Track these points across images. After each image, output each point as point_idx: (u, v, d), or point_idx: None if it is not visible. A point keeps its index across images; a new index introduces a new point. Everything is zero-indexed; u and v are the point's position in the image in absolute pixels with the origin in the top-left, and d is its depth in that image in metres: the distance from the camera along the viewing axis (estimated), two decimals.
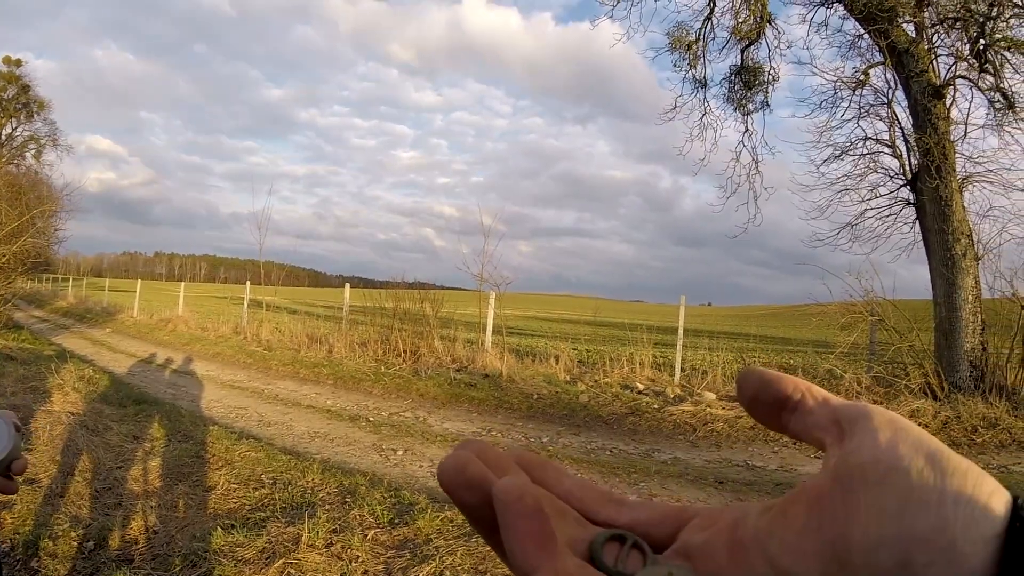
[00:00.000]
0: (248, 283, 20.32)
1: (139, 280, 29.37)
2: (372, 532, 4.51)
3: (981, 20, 10.75)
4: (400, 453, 7.20)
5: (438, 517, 4.83)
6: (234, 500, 5.02)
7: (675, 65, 14.14)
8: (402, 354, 13.18)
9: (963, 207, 10.52)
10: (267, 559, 3.95)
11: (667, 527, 0.42)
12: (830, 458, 0.36)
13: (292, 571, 3.84)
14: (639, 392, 10.61)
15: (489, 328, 13.39)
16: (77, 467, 5.44)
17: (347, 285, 17.11)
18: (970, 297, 9.98)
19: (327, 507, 4.93)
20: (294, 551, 4.05)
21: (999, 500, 0.31)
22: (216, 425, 7.48)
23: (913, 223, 11.54)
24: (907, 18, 11.28)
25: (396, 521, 4.77)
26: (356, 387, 11.25)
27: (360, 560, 4.04)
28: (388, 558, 4.14)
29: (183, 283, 28.23)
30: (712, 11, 13.40)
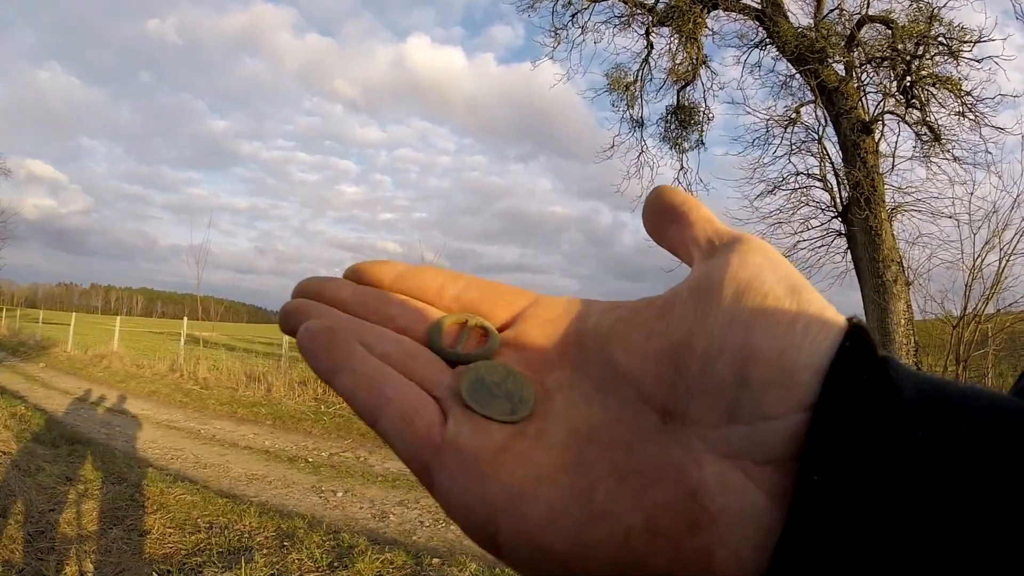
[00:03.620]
0: (185, 318, 20.01)
1: (74, 313, 28.63)
2: None
3: (908, 59, 11.33)
4: (340, 495, 7.14)
5: (378, 559, 4.82)
6: (170, 545, 4.94)
7: (613, 105, 14.57)
8: None
9: (893, 236, 11.00)
10: None
11: (507, 310, 0.42)
12: (693, 272, 0.37)
13: None
14: None
15: None
16: (10, 510, 5.30)
17: None
18: (902, 320, 10.37)
19: (265, 551, 4.89)
20: None
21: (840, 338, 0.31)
22: (151, 467, 7.34)
23: (845, 252, 11.99)
24: (837, 59, 11.80)
25: (336, 564, 4.75)
26: (295, 427, 11.10)
27: None
28: None
29: (119, 317, 27.59)
30: (649, 53, 13.85)
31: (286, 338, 15.98)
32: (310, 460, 8.71)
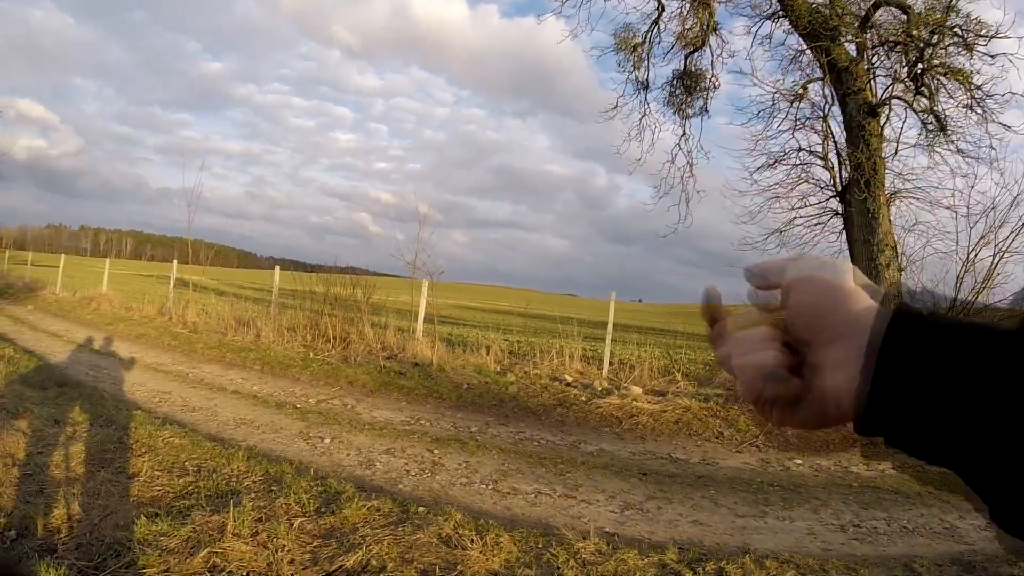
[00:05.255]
0: (175, 262, 19.85)
1: (63, 255, 28.38)
2: (298, 521, 4.52)
3: (921, 45, 11.19)
4: (327, 441, 7.18)
5: (365, 506, 4.85)
6: (158, 488, 4.96)
7: (619, 66, 14.43)
8: (331, 340, 13.02)
9: (889, 220, 10.96)
10: (192, 548, 3.93)
11: None
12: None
13: (217, 561, 3.82)
14: (567, 384, 10.69)
15: (421, 316, 13.32)
16: None
17: (277, 267, 16.80)
18: (891, 306, 10.39)
19: (253, 495, 4.91)
20: (219, 540, 4.03)
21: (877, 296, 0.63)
22: (139, 410, 7.35)
23: (840, 232, 11.96)
24: (850, 38, 11.63)
25: (323, 510, 4.78)
26: (284, 373, 11.13)
27: (286, 549, 4.05)
28: (314, 547, 4.16)
29: (108, 259, 27.42)
30: (660, 16, 13.61)
31: (276, 284, 15.99)
32: (298, 406, 8.75)
